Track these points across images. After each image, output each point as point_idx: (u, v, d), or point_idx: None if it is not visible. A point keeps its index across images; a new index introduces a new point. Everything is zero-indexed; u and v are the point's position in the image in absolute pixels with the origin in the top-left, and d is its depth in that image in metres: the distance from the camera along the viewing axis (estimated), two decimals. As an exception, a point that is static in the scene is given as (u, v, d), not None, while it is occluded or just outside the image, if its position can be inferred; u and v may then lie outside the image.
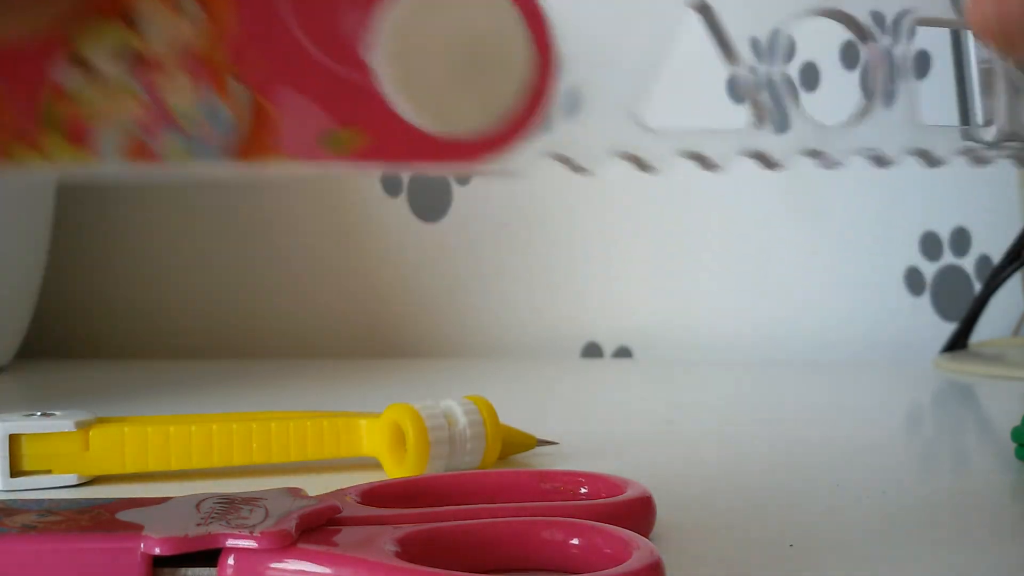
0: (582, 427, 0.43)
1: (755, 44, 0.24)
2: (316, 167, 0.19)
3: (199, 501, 0.23)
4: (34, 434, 0.30)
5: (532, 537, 0.22)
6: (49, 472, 0.31)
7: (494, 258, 0.75)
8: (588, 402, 0.54)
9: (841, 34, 0.70)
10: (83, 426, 0.31)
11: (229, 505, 0.22)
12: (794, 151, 0.24)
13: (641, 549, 0.21)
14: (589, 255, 0.73)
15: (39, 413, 0.31)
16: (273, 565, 0.20)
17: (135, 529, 0.20)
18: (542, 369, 0.67)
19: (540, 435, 0.35)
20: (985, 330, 0.65)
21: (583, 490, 0.27)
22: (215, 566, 0.20)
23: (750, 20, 0.27)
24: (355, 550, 0.20)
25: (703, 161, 0.23)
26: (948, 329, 0.66)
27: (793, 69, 0.67)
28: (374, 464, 0.33)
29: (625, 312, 0.73)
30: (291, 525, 0.21)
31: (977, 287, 0.67)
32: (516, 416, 0.35)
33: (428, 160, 0.20)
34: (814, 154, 0.24)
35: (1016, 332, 0.67)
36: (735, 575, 0.23)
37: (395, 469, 0.32)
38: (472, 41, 0.19)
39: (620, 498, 0.25)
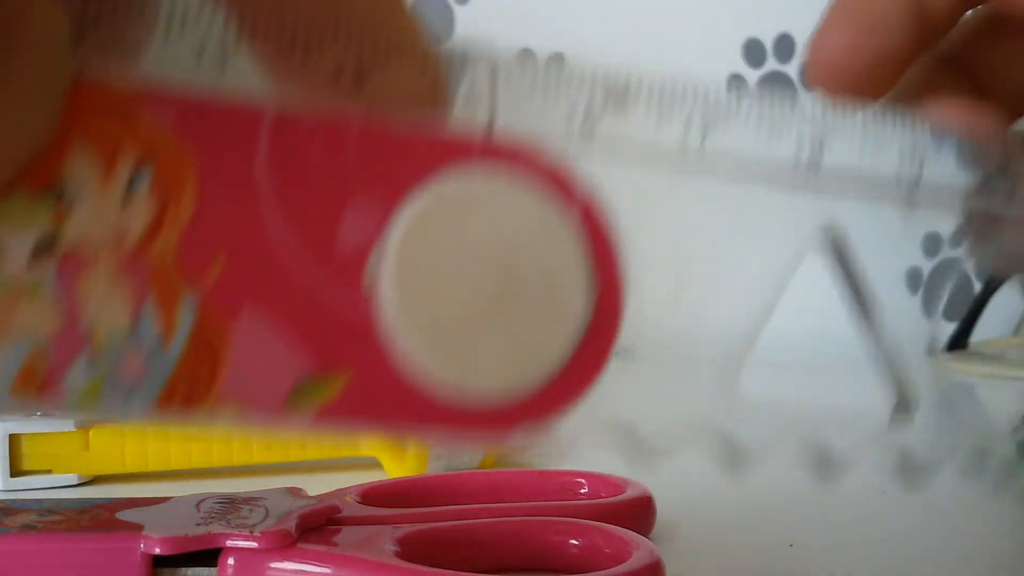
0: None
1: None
2: (279, 429, 0.13)
3: (199, 501, 0.23)
4: (34, 434, 0.30)
5: (532, 537, 0.22)
6: (49, 472, 0.31)
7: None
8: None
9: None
10: (83, 426, 0.31)
11: (229, 505, 0.22)
12: (948, 454, 0.17)
13: (641, 549, 0.21)
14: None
15: (39, 413, 0.31)
16: (273, 565, 0.20)
17: (135, 529, 0.20)
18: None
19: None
20: (984, 330, 0.65)
21: (583, 490, 0.27)
22: (215, 566, 0.20)
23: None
24: (355, 550, 0.20)
25: (819, 461, 0.16)
26: (948, 329, 0.66)
27: (793, 69, 0.67)
28: (374, 464, 0.33)
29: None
30: (291, 525, 0.21)
31: (977, 286, 0.67)
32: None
33: (434, 426, 0.14)
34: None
35: (1016, 332, 0.67)
36: (735, 575, 0.23)
37: (395, 469, 0.32)
38: (508, 264, 0.14)
39: (620, 498, 0.25)
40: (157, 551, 0.20)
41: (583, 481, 0.27)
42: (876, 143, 0.16)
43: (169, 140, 0.13)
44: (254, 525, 0.20)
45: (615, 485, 0.26)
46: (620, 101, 0.15)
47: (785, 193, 0.16)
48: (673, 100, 0.15)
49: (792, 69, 0.67)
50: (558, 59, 0.15)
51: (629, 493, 0.25)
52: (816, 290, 0.17)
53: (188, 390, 0.13)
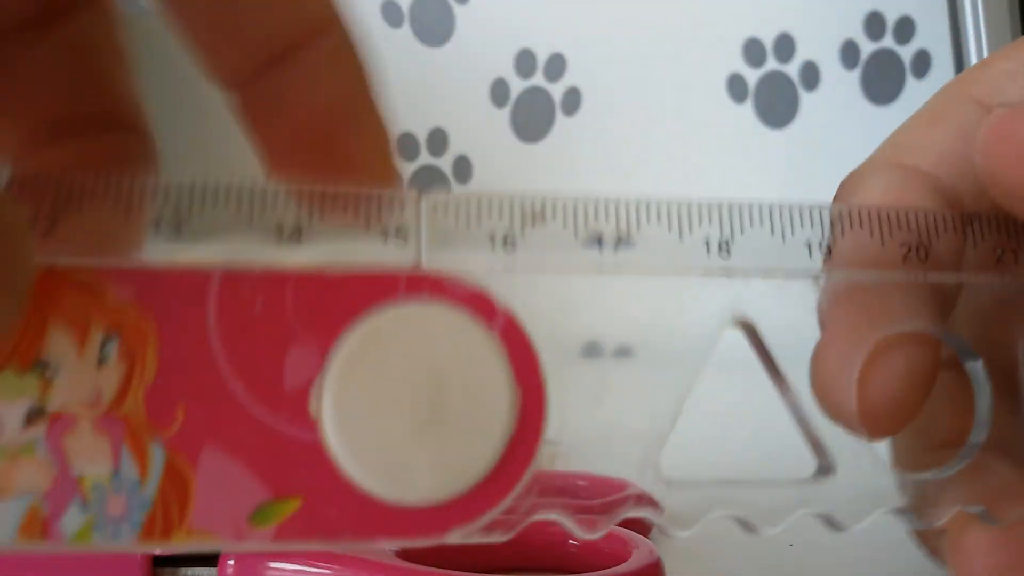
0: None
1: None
2: (242, 547, 0.16)
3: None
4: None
5: (532, 536, 0.22)
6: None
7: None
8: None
9: (841, 33, 0.70)
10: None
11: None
12: (870, 505, 0.18)
13: (641, 549, 0.21)
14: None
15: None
16: (273, 564, 0.20)
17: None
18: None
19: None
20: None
21: (582, 491, 0.26)
22: (215, 566, 0.20)
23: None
24: (355, 549, 0.20)
25: (744, 523, 0.18)
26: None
27: (793, 69, 0.67)
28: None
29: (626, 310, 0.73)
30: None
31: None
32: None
33: (380, 535, 0.16)
34: (901, 512, 0.19)
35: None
36: (735, 575, 0.23)
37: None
38: (438, 384, 0.16)
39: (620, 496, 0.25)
40: (157, 551, 0.20)
41: (583, 483, 0.27)
42: (783, 237, 0.18)
43: (131, 311, 0.15)
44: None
45: (614, 485, 0.26)
46: (538, 220, 0.17)
47: (698, 282, 0.17)
48: (587, 215, 0.17)
49: (792, 69, 0.67)
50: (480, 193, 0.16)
51: (628, 492, 0.25)
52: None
53: (164, 523, 0.15)
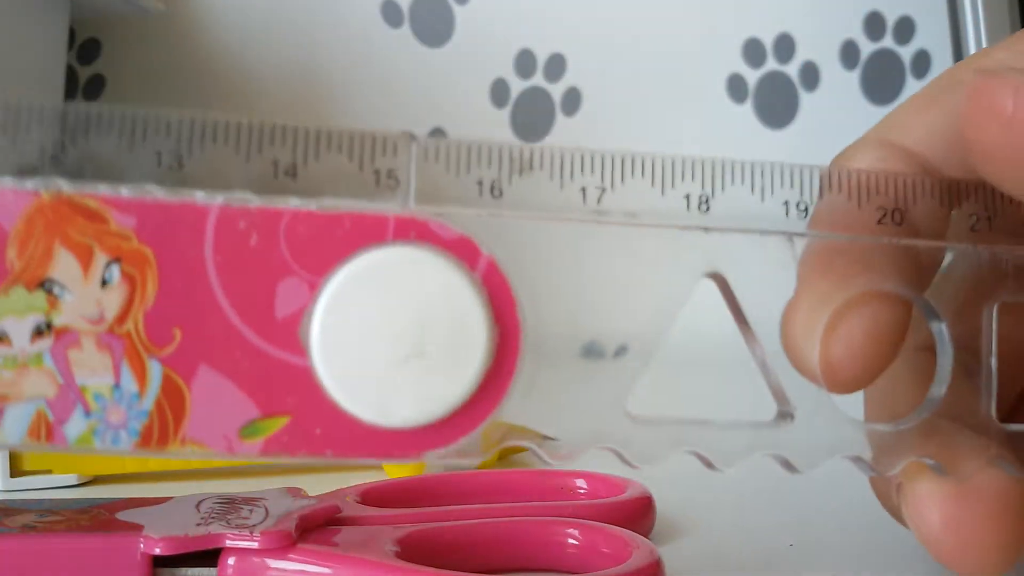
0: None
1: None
2: (232, 457, 0.17)
3: (199, 501, 0.23)
4: (34, 434, 0.30)
5: (532, 537, 0.22)
6: (49, 472, 0.31)
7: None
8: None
9: (841, 33, 0.70)
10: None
11: (229, 505, 0.22)
12: (825, 452, 0.19)
13: (641, 549, 0.21)
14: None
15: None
16: (273, 565, 0.20)
17: (135, 529, 0.20)
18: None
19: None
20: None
21: (582, 490, 0.27)
22: (215, 566, 0.20)
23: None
24: (355, 550, 0.20)
25: (705, 461, 0.19)
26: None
27: (793, 69, 0.67)
28: (374, 464, 0.33)
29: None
30: (291, 525, 0.21)
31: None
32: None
33: (361, 452, 0.17)
34: (859, 461, 0.19)
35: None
36: (735, 575, 0.23)
37: (395, 469, 0.32)
38: (421, 321, 0.17)
39: (620, 498, 0.25)
40: (157, 551, 0.20)
41: (583, 481, 0.27)
42: (762, 195, 0.18)
43: (132, 240, 0.16)
44: (254, 525, 0.20)
45: (615, 485, 0.26)
46: (525, 169, 0.17)
47: (677, 234, 0.18)
48: (573, 167, 0.18)
49: (792, 69, 0.67)
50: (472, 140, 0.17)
51: (629, 493, 0.25)
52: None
53: (160, 433, 0.17)
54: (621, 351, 0.18)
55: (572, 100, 0.66)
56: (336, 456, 0.17)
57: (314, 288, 0.17)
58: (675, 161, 0.18)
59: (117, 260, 0.16)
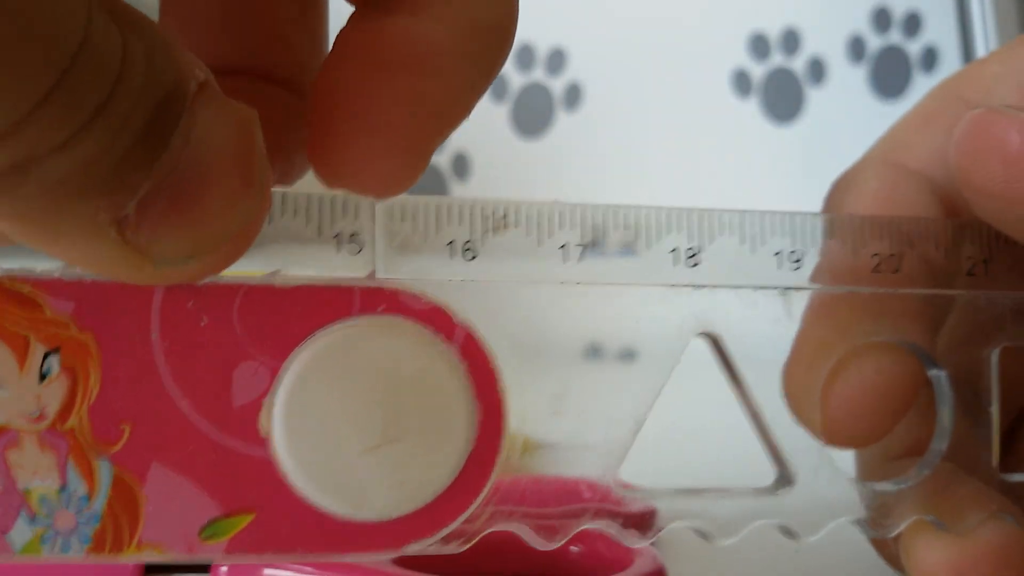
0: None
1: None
2: (192, 560, 0.15)
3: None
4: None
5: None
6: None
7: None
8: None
9: (847, 27, 0.70)
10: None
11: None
12: (828, 516, 0.19)
13: (643, 555, 0.21)
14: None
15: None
16: (267, 571, 0.20)
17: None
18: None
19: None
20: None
21: (584, 495, 0.26)
22: (208, 572, 0.20)
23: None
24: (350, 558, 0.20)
25: (702, 534, 0.18)
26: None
27: (799, 63, 0.67)
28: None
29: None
30: (286, 530, 0.20)
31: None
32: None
33: (334, 550, 0.16)
34: (859, 522, 0.19)
35: None
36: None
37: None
38: (394, 403, 0.16)
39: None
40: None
41: (584, 487, 0.26)
42: (752, 246, 0.17)
43: (71, 327, 0.15)
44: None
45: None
46: (500, 227, 0.16)
47: (664, 292, 0.17)
48: (551, 223, 0.17)
49: (798, 64, 0.67)
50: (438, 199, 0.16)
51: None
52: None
53: (115, 538, 0.15)
54: (612, 421, 0.17)
55: (573, 95, 0.66)
56: (306, 554, 0.16)
57: (274, 372, 0.15)
58: (660, 213, 0.17)
59: (55, 350, 0.15)
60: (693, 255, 0.17)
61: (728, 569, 0.23)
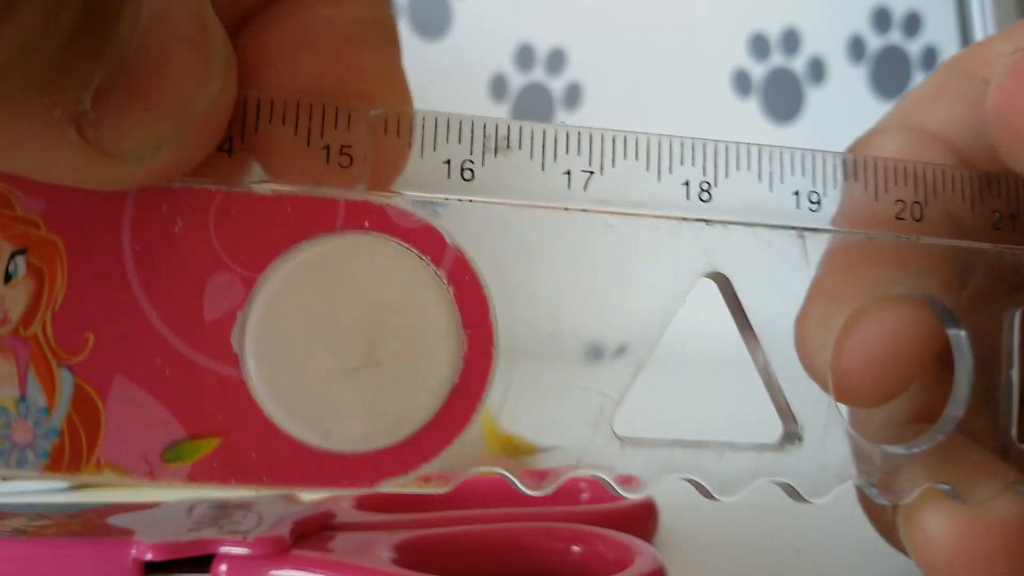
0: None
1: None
2: (153, 485, 0.14)
3: (191, 506, 0.22)
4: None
5: (533, 543, 0.22)
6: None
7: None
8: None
9: (847, 27, 0.70)
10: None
11: (222, 510, 0.22)
12: (835, 479, 0.18)
13: (643, 555, 0.21)
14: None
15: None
16: (267, 572, 0.20)
17: (126, 534, 0.20)
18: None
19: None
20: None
21: (584, 495, 0.26)
22: (208, 572, 0.20)
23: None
24: (351, 556, 0.20)
25: (701, 489, 0.17)
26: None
27: (799, 63, 0.67)
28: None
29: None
30: (285, 531, 0.20)
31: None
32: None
33: (303, 480, 0.15)
34: (870, 487, 0.18)
35: None
36: (739, 582, 0.23)
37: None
38: (375, 324, 0.14)
39: (622, 503, 0.25)
40: (149, 557, 0.20)
41: (584, 486, 0.27)
42: (770, 184, 0.16)
43: (41, 227, 0.14)
44: (247, 531, 0.20)
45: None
46: (501, 148, 0.15)
47: (674, 226, 0.16)
48: (557, 146, 0.15)
49: (798, 63, 0.67)
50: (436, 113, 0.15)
51: (631, 498, 0.25)
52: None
53: (72, 455, 0.14)
54: (608, 359, 0.16)
55: (573, 95, 0.66)
56: (274, 484, 0.15)
57: (249, 285, 0.14)
58: (673, 143, 0.16)
59: (22, 251, 0.14)
60: (707, 189, 0.16)
61: (728, 569, 0.23)
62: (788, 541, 0.25)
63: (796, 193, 0.16)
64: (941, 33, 0.67)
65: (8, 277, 0.14)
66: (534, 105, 0.65)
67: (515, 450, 0.17)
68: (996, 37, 0.21)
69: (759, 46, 0.66)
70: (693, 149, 0.16)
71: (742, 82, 0.66)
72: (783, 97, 0.66)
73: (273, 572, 0.20)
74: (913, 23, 0.67)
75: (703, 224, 0.16)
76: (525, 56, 0.65)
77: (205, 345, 0.14)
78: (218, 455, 0.15)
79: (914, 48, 0.67)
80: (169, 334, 0.14)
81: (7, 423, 0.14)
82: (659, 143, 0.16)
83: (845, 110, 0.66)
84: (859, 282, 0.17)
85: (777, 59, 0.66)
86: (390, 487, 0.15)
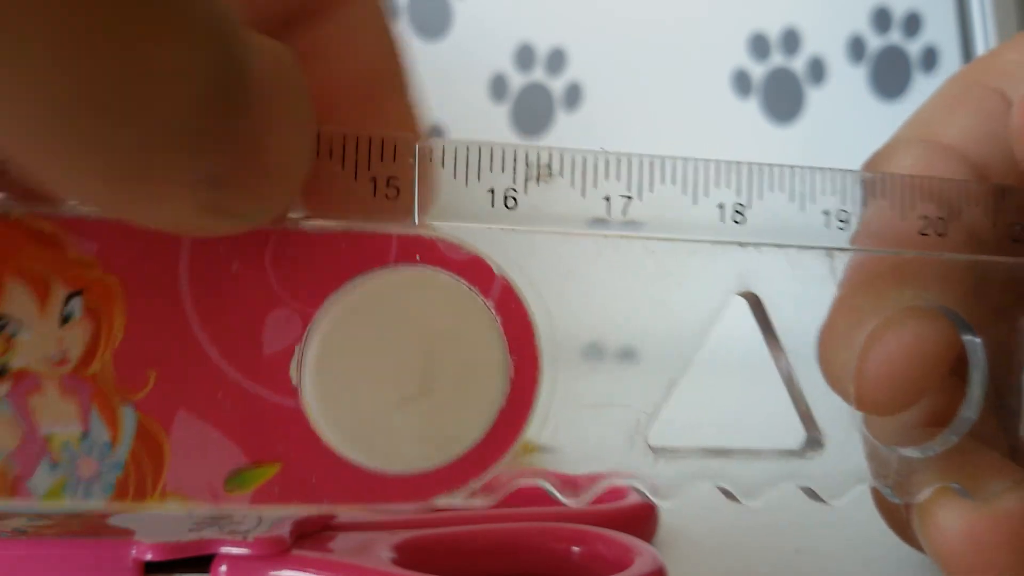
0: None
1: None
2: (220, 511, 0.15)
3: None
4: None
5: (533, 543, 0.22)
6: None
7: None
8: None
9: (847, 27, 0.70)
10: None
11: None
12: (854, 481, 0.18)
13: (644, 555, 0.21)
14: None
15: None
16: (267, 572, 0.20)
17: (126, 534, 0.20)
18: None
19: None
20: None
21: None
22: (208, 572, 0.20)
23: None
24: (351, 556, 0.20)
25: (728, 495, 0.18)
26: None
27: (799, 63, 0.67)
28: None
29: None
30: (285, 531, 0.20)
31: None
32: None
33: (362, 501, 0.16)
34: (883, 487, 0.19)
35: None
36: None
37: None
38: (428, 354, 0.15)
39: (623, 503, 0.25)
40: (149, 557, 0.20)
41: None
42: (802, 203, 0.17)
43: (95, 268, 0.14)
44: (247, 531, 0.20)
45: (617, 490, 0.26)
46: (543, 176, 0.16)
47: (708, 249, 0.17)
48: (597, 173, 0.16)
49: (798, 64, 0.67)
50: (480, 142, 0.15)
51: (632, 498, 0.25)
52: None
53: (137, 486, 0.15)
54: (643, 376, 0.16)
55: (573, 95, 0.66)
56: (333, 503, 0.16)
57: (306, 320, 0.15)
58: (709, 166, 0.16)
59: (78, 292, 0.14)
60: (741, 211, 0.17)
61: (728, 569, 0.23)
62: (788, 541, 0.25)
63: (826, 212, 0.17)
64: (941, 33, 0.67)
65: (65, 319, 0.14)
66: (534, 105, 0.65)
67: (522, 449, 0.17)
68: (1006, 46, 0.22)
69: (759, 46, 0.66)
70: (728, 172, 0.17)
71: (742, 82, 0.66)
72: (783, 97, 0.66)
73: (273, 572, 0.20)
74: (913, 23, 0.67)
75: (737, 247, 0.17)
76: (525, 56, 0.65)
77: (265, 378, 0.15)
78: (279, 480, 0.15)
79: (914, 48, 0.67)
80: (229, 369, 0.15)
81: (71, 459, 0.15)
82: (695, 166, 0.16)
83: (845, 110, 0.66)
84: (880, 298, 0.17)
85: (777, 59, 0.66)
86: (442, 503, 0.16)
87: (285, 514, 0.16)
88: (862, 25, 0.67)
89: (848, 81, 0.66)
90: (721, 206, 0.16)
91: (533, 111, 0.65)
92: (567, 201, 0.16)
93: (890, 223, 0.17)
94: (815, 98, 0.66)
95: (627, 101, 0.65)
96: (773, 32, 0.66)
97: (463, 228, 0.15)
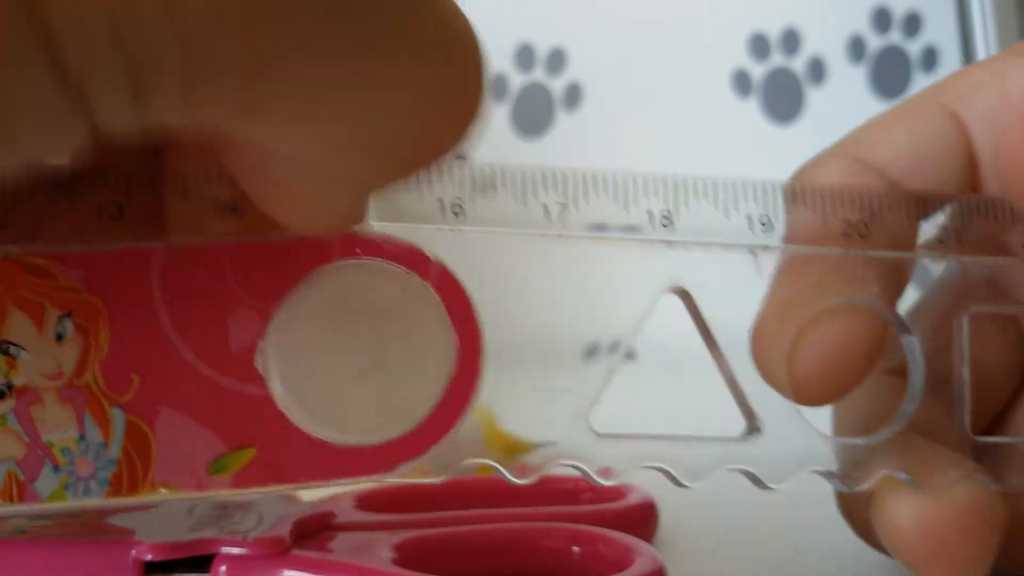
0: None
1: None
2: (204, 497, 0.17)
3: (191, 506, 0.22)
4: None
5: (532, 543, 0.22)
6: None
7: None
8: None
9: (847, 27, 0.70)
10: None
11: (222, 510, 0.22)
12: (794, 466, 0.19)
13: (643, 555, 0.21)
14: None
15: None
16: (267, 572, 0.20)
17: (126, 534, 0.20)
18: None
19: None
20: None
21: (585, 495, 0.26)
22: (208, 572, 0.20)
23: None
24: (351, 556, 0.20)
25: (671, 477, 0.19)
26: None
27: (799, 63, 0.67)
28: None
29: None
30: (285, 531, 0.20)
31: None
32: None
33: (331, 474, 0.18)
34: (829, 475, 0.20)
35: None
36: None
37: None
38: (377, 334, 0.17)
39: (623, 503, 0.25)
40: (149, 557, 0.20)
41: (586, 487, 0.26)
42: (726, 211, 0.19)
43: (81, 292, 0.17)
44: (247, 531, 0.20)
45: (617, 490, 0.26)
46: (488, 187, 0.18)
47: (639, 249, 0.18)
48: (536, 186, 0.18)
49: (798, 64, 0.67)
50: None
51: (632, 498, 0.25)
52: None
53: (130, 480, 0.17)
54: (585, 362, 0.18)
55: (573, 95, 0.66)
56: (307, 480, 0.17)
57: (266, 317, 0.17)
58: (637, 178, 0.18)
59: (68, 314, 0.17)
60: (668, 216, 0.18)
61: (728, 569, 0.23)
62: (788, 541, 0.25)
63: (749, 217, 0.19)
64: (941, 33, 0.67)
65: (59, 337, 0.17)
66: (534, 105, 0.65)
67: (513, 448, 0.19)
68: (975, 66, 0.23)
69: (759, 46, 0.66)
70: (655, 182, 0.18)
71: (742, 82, 0.66)
72: (783, 97, 0.66)
73: (273, 572, 0.20)
74: (913, 23, 0.67)
75: (665, 246, 0.18)
76: (525, 56, 0.65)
77: (235, 371, 0.17)
78: (256, 462, 0.17)
79: (914, 48, 0.67)
80: (203, 367, 0.17)
81: (71, 460, 0.17)
82: (624, 178, 0.18)
83: (845, 110, 0.66)
84: (809, 294, 0.19)
85: (777, 59, 0.66)
86: (407, 470, 0.17)
87: (265, 494, 0.18)
88: (862, 25, 0.67)
89: (848, 81, 0.66)
90: (649, 212, 0.18)
91: (533, 111, 0.65)
92: (508, 209, 0.18)
93: (813, 227, 0.19)
94: (815, 98, 0.66)
95: (627, 101, 0.65)
96: (773, 32, 0.66)
97: (416, 229, 0.17)
